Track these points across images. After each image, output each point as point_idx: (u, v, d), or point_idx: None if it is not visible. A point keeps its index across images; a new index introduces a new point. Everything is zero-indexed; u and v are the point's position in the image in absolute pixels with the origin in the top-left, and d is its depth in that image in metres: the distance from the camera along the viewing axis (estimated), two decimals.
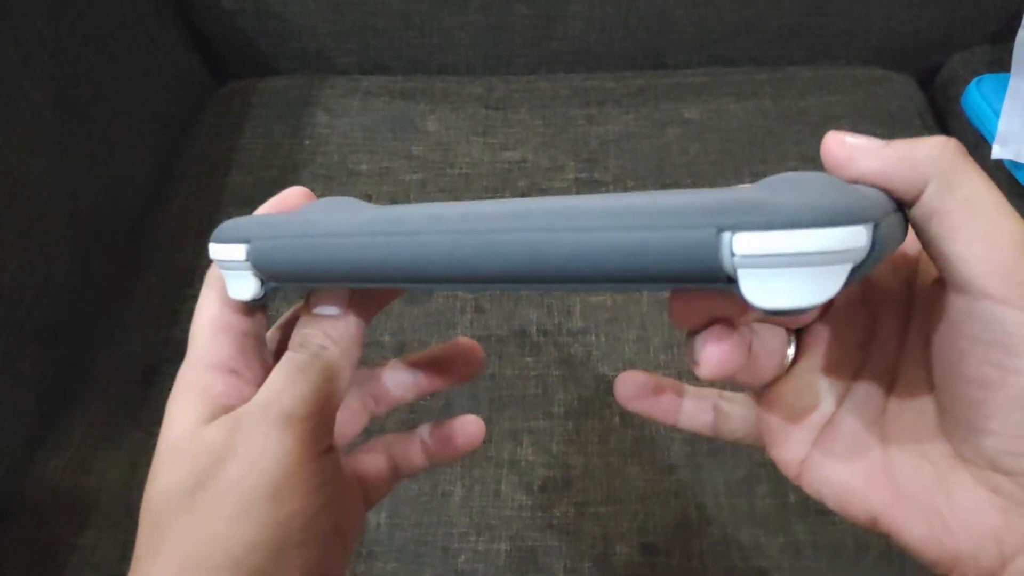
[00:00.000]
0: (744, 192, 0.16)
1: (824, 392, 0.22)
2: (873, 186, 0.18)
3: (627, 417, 0.47)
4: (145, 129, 0.61)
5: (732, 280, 0.16)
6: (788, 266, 0.15)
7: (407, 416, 0.47)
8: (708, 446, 0.46)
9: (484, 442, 0.46)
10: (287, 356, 0.23)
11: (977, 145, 0.61)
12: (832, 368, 0.22)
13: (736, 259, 0.15)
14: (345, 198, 0.25)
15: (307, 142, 0.62)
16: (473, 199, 0.23)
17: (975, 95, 0.62)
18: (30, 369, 0.48)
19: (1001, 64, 0.61)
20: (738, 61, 0.69)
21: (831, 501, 0.22)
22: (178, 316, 0.53)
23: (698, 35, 0.68)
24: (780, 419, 0.23)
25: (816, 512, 0.43)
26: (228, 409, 0.22)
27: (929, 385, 0.20)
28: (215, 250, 0.22)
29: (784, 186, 0.17)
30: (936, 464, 0.20)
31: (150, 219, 0.59)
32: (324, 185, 0.59)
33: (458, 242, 0.18)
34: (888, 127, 0.63)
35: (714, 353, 0.20)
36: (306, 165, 0.60)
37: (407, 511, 0.44)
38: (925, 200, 0.18)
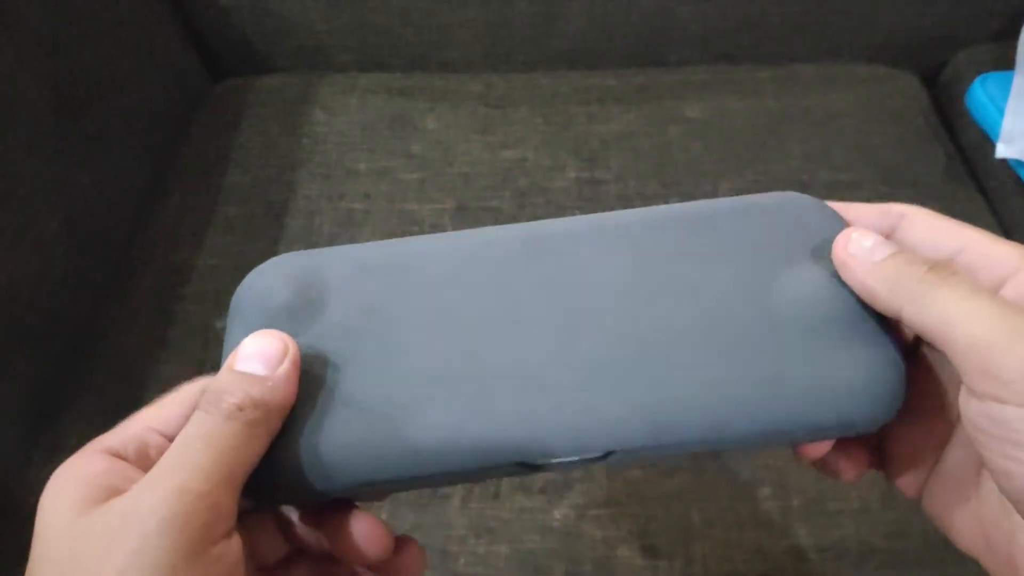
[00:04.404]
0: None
1: (933, 434, 0.23)
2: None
3: None
4: (141, 127, 0.61)
5: None
6: None
7: None
8: None
9: None
10: (193, 418, 0.20)
11: (982, 144, 0.60)
12: (943, 408, 0.23)
13: None
14: None
15: (304, 140, 0.62)
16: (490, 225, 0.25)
17: (979, 93, 0.62)
18: (26, 369, 0.47)
19: (1005, 62, 0.61)
20: (740, 58, 0.68)
21: (944, 532, 0.23)
22: (174, 316, 0.52)
23: (700, 32, 0.67)
24: (896, 457, 0.24)
25: (820, 515, 0.43)
26: (111, 492, 0.19)
27: None
28: None
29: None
30: (1012, 518, 0.20)
31: (146, 218, 0.59)
32: (322, 184, 0.58)
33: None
34: (892, 125, 0.62)
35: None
36: (303, 164, 0.60)
37: (405, 513, 0.44)
38: (904, 320, 0.20)
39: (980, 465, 0.22)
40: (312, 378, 0.22)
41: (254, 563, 0.23)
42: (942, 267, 0.20)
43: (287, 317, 0.23)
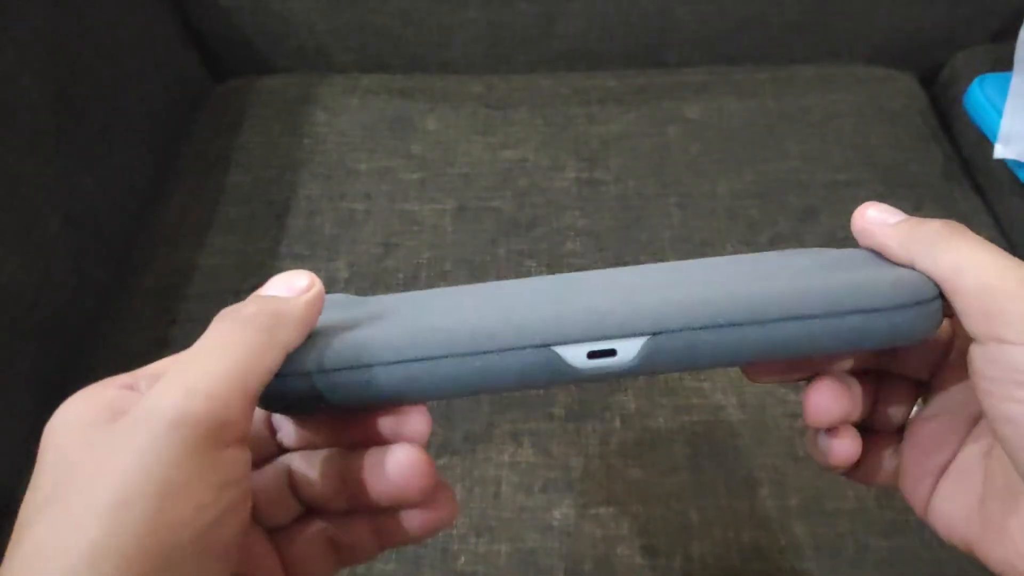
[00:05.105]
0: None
1: (952, 433, 0.24)
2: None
3: (627, 419, 0.47)
4: (143, 127, 0.61)
5: None
6: None
7: None
8: (709, 448, 0.45)
9: (484, 443, 0.46)
10: (209, 328, 0.20)
11: (980, 145, 0.61)
12: (958, 411, 0.24)
13: None
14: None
15: (306, 141, 0.62)
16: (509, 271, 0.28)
17: (977, 94, 0.62)
18: (28, 368, 0.47)
19: (1004, 63, 0.61)
20: (739, 59, 0.69)
21: (940, 530, 0.24)
22: (175, 315, 0.53)
23: (699, 33, 0.68)
24: (913, 459, 0.25)
25: (817, 514, 0.43)
26: (124, 414, 0.18)
27: None
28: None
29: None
30: (1019, 495, 0.21)
31: (148, 218, 0.59)
32: (323, 184, 0.59)
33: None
34: (890, 126, 0.62)
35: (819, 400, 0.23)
36: (305, 164, 0.60)
37: None
38: (919, 270, 0.22)
39: (988, 457, 0.23)
40: (337, 320, 0.23)
41: (262, 523, 0.23)
42: (953, 223, 0.22)
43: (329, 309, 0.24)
